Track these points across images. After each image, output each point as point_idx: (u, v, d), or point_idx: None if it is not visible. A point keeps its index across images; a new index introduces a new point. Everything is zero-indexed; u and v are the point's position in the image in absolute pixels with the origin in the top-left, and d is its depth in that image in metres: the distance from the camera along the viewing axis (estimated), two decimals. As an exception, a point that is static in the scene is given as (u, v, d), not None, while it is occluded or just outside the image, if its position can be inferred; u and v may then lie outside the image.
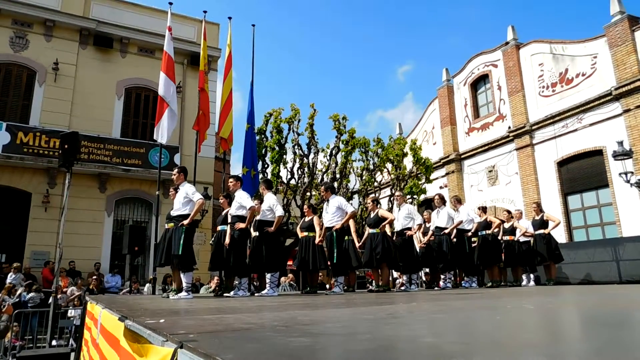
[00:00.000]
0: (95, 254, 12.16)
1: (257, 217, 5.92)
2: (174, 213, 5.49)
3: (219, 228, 5.94)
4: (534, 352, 1.32)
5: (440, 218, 7.77)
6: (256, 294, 6.17)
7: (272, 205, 5.85)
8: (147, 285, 10.37)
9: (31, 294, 9.16)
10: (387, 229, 6.82)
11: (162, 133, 8.93)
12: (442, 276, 8.00)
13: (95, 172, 12.51)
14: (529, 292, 5.76)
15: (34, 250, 11.58)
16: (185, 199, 5.44)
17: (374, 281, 7.79)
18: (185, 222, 5.27)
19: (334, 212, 6.35)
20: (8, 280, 9.52)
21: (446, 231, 7.57)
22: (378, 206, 7.02)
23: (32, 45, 12.67)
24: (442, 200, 7.88)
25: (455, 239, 7.65)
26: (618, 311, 2.90)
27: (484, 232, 8.01)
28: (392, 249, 6.57)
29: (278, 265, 5.96)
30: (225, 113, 10.06)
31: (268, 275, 5.99)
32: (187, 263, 5.34)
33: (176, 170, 5.76)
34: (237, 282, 5.95)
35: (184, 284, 5.34)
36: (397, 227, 7.37)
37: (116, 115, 13.42)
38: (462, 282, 8.11)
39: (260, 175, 11.78)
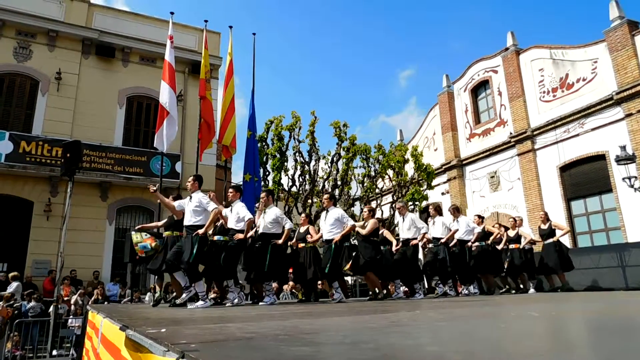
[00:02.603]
0: (97, 263, 12.14)
1: (261, 231, 5.89)
2: (186, 222, 5.40)
3: (216, 238, 5.91)
4: (540, 360, 1.30)
5: (435, 228, 7.70)
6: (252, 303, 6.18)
7: (279, 218, 5.85)
8: (149, 294, 10.34)
9: (31, 304, 9.11)
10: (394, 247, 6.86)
11: (163, 141, 8.95)
12: (438, 282, 7.98)
13: (97, 181, 12.54)
14: (533, 299, 5.70)
15: (35, 259, 11.57)
16: (198, 208, 5.36)
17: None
18: (200, 231, 5.22)
19: (332, 223, 6.27)
20: (8, 291, 9.47)
21: (442, 240, 7.46)
22: (372, 216, 6.96)
23: (35, 55, 12.78)
24: (437, 211, 7.81)
25: (455, 249, 7.59)
26: (626, 318, 2.86)
27: (482, 243, 7.95)
28: (378, 257, 6.52)
29: (275, 275, 5.99)
30: (227, 120, 10.09)
31: (270, 284, 6.00)
32: (197, 273, 5.31)
33: (192, 177, 5.69)
34: (227, 286, 6.00)
35: (199, 293, 5.32)
36: (402, 236, 7.36)
37: (118, 123, 13.48)
38: (462, 290, 8.03)
39: (262, 183, 11.78)
